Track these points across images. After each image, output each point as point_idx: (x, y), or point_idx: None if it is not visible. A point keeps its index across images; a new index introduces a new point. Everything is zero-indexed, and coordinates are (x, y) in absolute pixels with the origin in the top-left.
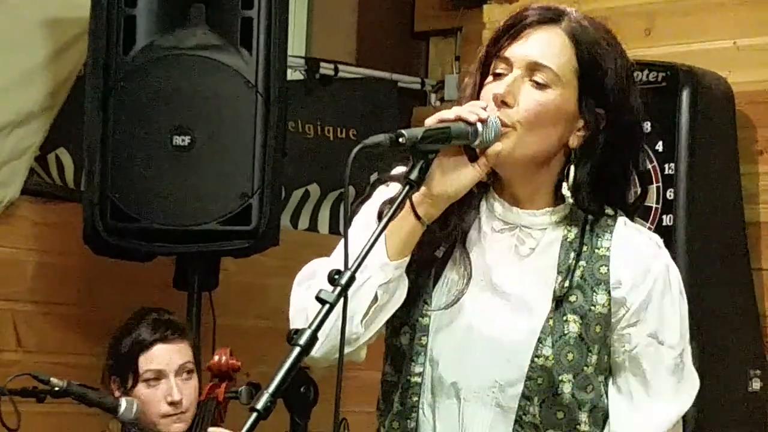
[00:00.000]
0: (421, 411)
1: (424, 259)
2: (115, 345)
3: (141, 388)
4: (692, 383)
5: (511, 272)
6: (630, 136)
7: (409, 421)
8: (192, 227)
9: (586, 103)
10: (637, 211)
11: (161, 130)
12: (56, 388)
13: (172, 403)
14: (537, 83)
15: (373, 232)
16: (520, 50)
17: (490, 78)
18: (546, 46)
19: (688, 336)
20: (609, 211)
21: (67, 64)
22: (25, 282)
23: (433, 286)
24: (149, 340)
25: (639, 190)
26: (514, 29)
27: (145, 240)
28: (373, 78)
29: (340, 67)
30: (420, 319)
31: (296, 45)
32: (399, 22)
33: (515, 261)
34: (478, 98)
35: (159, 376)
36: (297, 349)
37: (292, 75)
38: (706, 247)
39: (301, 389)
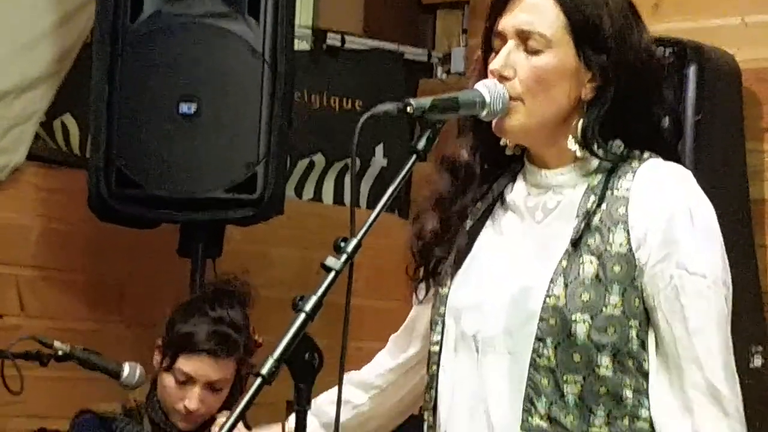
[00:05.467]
0: (441, 373)
1: (451, 232)
2: (173, 323)
3: (171, 377)
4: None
5: (536, 226)
6: (639, 74)
7: (432, 390)
8: (197, 195)
9: (585, 55)
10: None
11: (167, 97)
12: (59, 352)
13: (185, 408)
14: (530, 50)
15: (380, 202)
16: (508, 22)
17: (492, 55)
18: (531, 12)
19: (726, 276)
20: (643, 155)
21: (74, 30)
22: (29, 247)
23: (461, 258)
24: (198, 346)
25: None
26: (500, 2)
27: (149, 207)
28: (379, 49)
29: (347, 38)
30: (440, 289)
31: (303, 15)
32: None
33: (541, 216)
34: (485, 76)
35: (188, 380)
36: (302, 316)
37: (299, 45)
38: None
39: (306, 356)
